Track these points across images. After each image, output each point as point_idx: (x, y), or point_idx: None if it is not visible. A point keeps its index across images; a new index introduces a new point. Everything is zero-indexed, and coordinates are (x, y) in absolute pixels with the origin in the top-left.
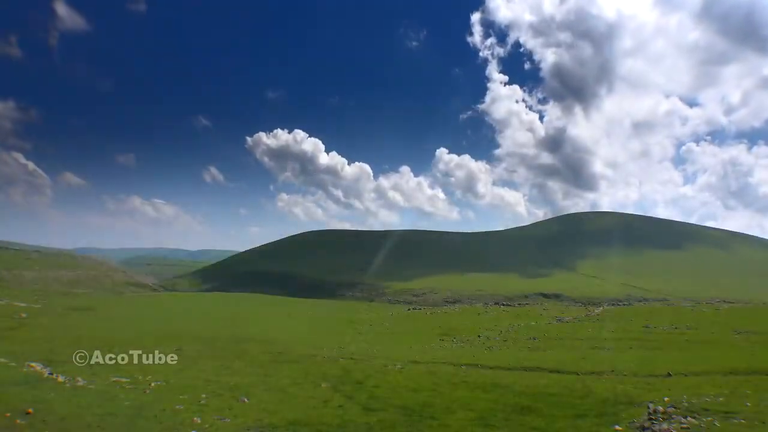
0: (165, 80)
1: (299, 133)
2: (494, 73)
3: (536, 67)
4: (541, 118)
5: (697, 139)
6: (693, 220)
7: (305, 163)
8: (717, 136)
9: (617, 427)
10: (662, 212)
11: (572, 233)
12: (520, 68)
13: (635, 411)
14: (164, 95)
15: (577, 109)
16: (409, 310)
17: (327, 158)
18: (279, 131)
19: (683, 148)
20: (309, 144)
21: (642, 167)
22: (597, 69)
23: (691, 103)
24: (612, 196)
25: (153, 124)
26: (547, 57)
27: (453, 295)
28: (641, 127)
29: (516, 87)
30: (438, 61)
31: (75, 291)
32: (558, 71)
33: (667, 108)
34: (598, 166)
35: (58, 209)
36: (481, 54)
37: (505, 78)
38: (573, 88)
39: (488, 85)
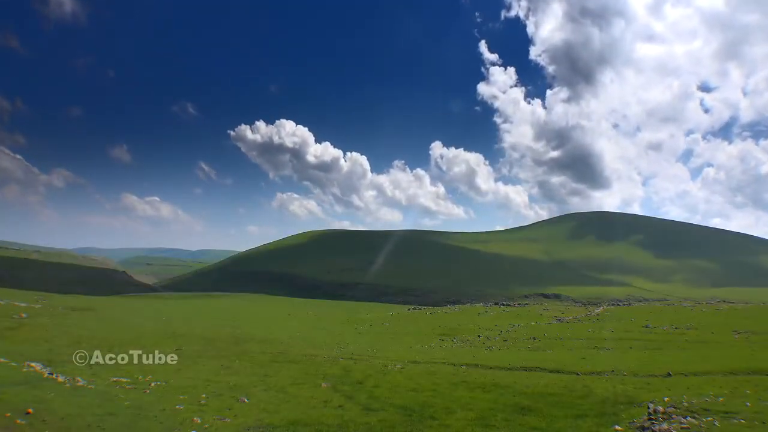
0: (157, 69)
1: (291, 124)
2: (486, 53)
3: (527, 51)
4: (542, 104)
5: (710, 133)
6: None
7: (300, 156)
8: (727, 129)
9: (617, 427)
10: (674, 211)
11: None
12: (517, 54)
13: (635, 411)
14: (155, 84)
15: (580, 98)
16: (409, 310)
17: (321, 149)
18: (277, 123)
19: (688, 138)
20: (302, 135)
21: (652, 161)
22: (601, 50)
23: (707, 89)
24: (623, 193)
25: (144, 115)
26: (545, 34)
27: (453, 295)
28: (652, 117)
29: (512, 70)
30: (432, 48)
31: (75, 291)
32: (558, 50)
33: (681, 97)
34: (604, 160)
35: (54, 208)
36: (474, 33)
37: (500, 60)
38: (577, 70)
39: (482, 69)
